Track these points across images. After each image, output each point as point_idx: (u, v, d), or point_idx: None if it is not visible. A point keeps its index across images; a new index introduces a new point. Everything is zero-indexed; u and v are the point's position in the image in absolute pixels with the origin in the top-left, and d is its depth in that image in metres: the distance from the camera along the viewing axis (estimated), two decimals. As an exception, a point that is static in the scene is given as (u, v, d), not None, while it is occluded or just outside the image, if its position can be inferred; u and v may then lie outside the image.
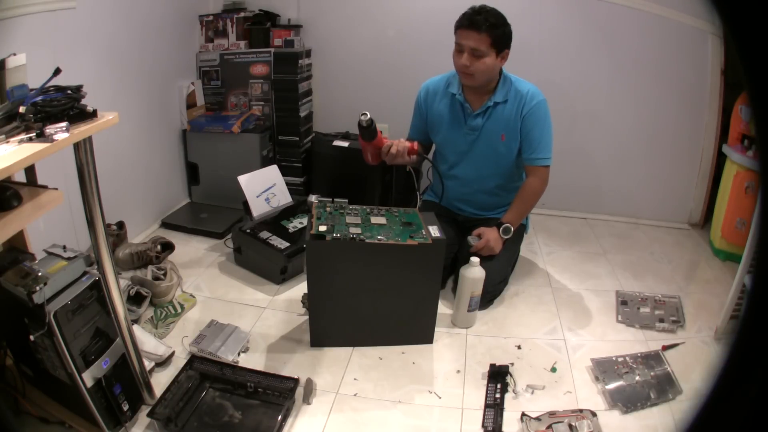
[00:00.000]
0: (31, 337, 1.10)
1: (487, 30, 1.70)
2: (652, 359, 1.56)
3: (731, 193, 2.14)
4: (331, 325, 1.61)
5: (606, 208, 2.63)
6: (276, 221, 2.11)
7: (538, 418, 1.33)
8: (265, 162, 2.53)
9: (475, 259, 1.68)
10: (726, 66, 2.29)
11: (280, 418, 1.32)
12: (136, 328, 1.50)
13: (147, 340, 1.53)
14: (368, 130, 1.68)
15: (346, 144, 2.46)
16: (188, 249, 2.21)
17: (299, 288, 1.93)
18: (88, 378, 1.16)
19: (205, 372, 1.44)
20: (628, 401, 1.41)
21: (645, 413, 1.39)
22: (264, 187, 2.21)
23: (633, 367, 1.52)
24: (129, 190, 2.20)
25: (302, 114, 2.62)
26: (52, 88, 1.09)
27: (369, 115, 1.66)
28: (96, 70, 1.88)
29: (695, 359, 1.59)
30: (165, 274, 1.86)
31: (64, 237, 1.42)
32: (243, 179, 2.14)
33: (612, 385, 1.46)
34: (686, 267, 2.21)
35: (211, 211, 2.52)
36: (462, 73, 1.78)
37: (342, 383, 1.48)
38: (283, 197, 2.26)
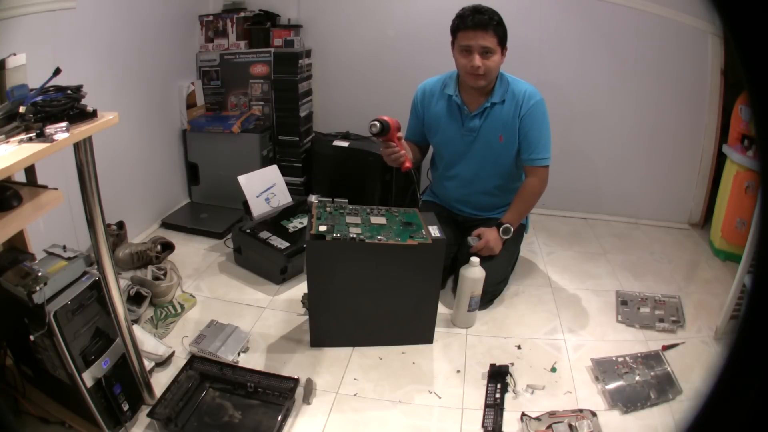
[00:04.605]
0: (31, 337, 1.10)
1: (493, 28, 1.71)
2: (652, 359, 1.56)
3: (731, 193, 2.14)
4: (331, 325, 1.61)
5: (606, 208, 2.63)
6: (276, 221, 2.11)
7: (538, 418, 1.33)
8: (265, 162, 2.53)
9: (475, 259, 1.68)
10: (726, 66, 2.29)
11: (280, 418, 1.32)
12: (136, 328, 1.50)
13: (147, 340, 1.53)
14: (379, 134, 1.68)
15: (346, 144, 2.46)
16: (188, 249, 2.21)
17: (299, 288, 1.93)
18: (88, 378, 1.16)
19: (205, 372, 1.44)
20: (628, 401, 1.41)
21: (645, 413, 1.39)
22: (264, 187, 2.21)
23: (633, 367, 1.52)
24: (129, 190, 2.20)
25: (302, 114, 2.62)
26: (52, 88, 1.09)
27: (378, 125, 1.66)
28: (96, 70, 1.88)
29: (695, 359, 1.59)
30: (165, 274, 1.86)
31: (64, 237, 1.42)
32: (243, 179, 2.14)
33: (612, 385, 1.46)
34: (686, 267, 2.21)
35: (211, 211, 2.52)
36: (472, 75, 1.76)
37: (342, 383, 1.48)
38: (283, 197, 2.27)
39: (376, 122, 1.65)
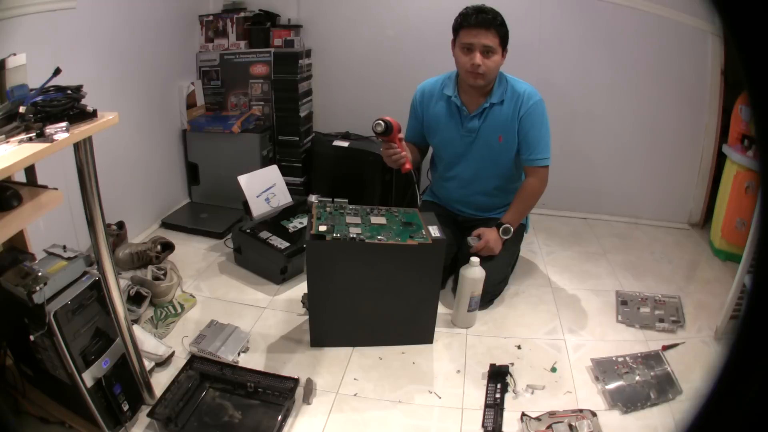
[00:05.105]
0: (31, 337, 1.10)
1: (496, 27, 1.71)
2: (652, 359, 1.56)
3: (731, 193, 2.14)
4: (331, 325, 1.61)
5: (606, 208, 2.63)
6: (276, 221, 2.11)
7: (538, 418, 1.33)
8: (265, 162, 2.53)
9: (475, 259, 1.68)
10: (726, 66, 2.29)
11: (280, 418, 1.32)
12: (136, 328, 1.50)
13: (147, 340, 1.53)
14: (383, 133, 1.69)
15: (346, 144, 2.46)
16: (188, 249, 2.21)
17: (299, 288, 1.93)
18: (88, 378, 1.16)
19: (205, 372, 1.44)
20: (628, 401, 1.41)
21: (645, 413, 1.39)
22: (264, 187, 2.21)
23: (633, 367, 1.52)
24: (129, 190, 2.20)
25: (302, 114, 2.62)
26: (52, 88, 1.09)
27: (383, 124, 1.66)
28: (96, 70, 1.88)
29: (695, 359, 1.59)
30: (165, 274, 1.86)
31: (64, 237, 1.42)
32: (243, 179, 2.14)
33: (612, 385, 1.46)
34: (686, 267, 2.21)
35: (211, 211, 2.52)
36: (472, 73, 1.76)
37: (342, 383, 1.48)
38: (283, 197, 2.27)
39: (380, 121, 1.66)
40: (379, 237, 1.52)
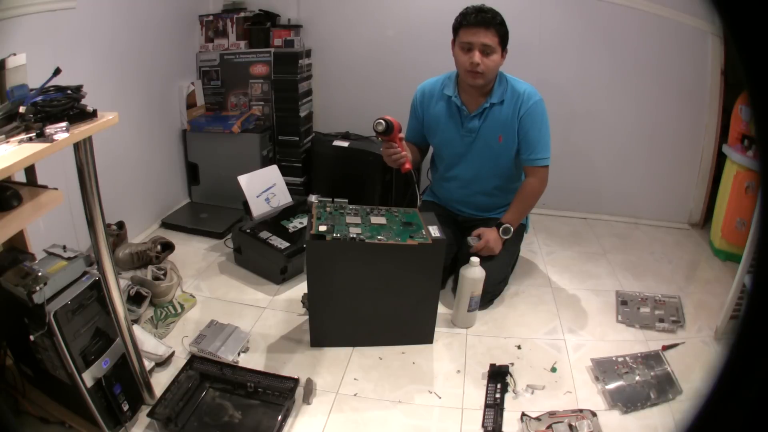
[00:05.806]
0: (31, 337, 1.10)
1: (495, 27, 1.71)
2: (652, 359, 1.56)
3: (731, 193, 2.14)
4: (331, 325, 1.61)
5: (606, 208, 2.63)
6: (276, 221, 2.11)
7: (538, 418, 1.33)
8: (265, 162, 2.53)
9: (475, 259, 1.68)
10: (726, 66, 2.29)
11: (280, 418, 1.32)
12: (136, 328, 1.50)
13: (147, 340, 1.53)
14: (383, 133, 1.69)
15: (346, 144, 2.46)
16: (188, 249, 2.21)
17: (299, 288, 1.93)
18: (88, 378, 1.16)
19: (205, 372, 1.44)
20: (628, 401, 1.41)
21: (645, 413, 1.39)
22: (264, 187, 2.22)
23: (633, 367, 1.52)
24: (129, 190, 2.20)
25: (302, 114, 2.62)
26: (52, 88, 1.09)
27: (384, 124, 1.66)
28: (96, 70, 1.88)
29: (695, 359, 1.59)
30: (165, 274, 1.86)
31: (64, 237, 1.42)
32: (243, 179, 2.14)
33: (612, 385, 1.46)
34: (686, 267, 2.21)
35: (211, 211, 2.52)
36: (471, 72, 1.76)
37: (342, 383, 1.48)
38: (283, 197, 2.27)
39: (381, 121, 1.66)
40: (379, 237, 1.52)
